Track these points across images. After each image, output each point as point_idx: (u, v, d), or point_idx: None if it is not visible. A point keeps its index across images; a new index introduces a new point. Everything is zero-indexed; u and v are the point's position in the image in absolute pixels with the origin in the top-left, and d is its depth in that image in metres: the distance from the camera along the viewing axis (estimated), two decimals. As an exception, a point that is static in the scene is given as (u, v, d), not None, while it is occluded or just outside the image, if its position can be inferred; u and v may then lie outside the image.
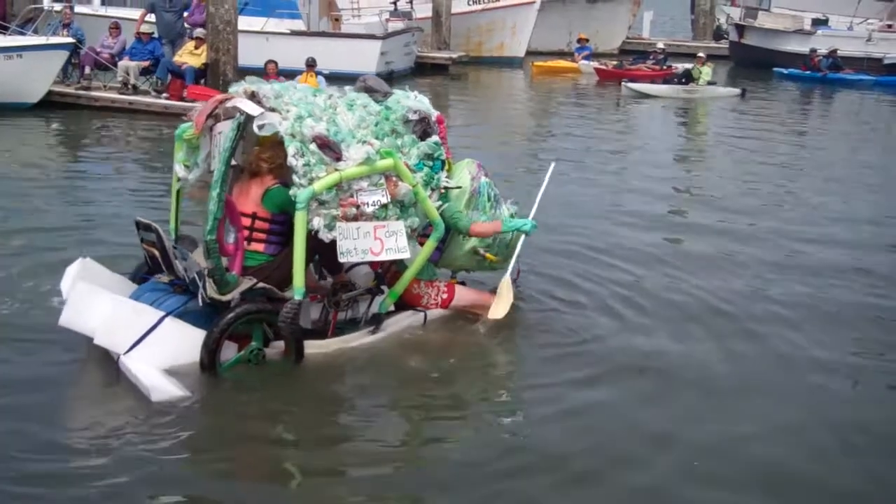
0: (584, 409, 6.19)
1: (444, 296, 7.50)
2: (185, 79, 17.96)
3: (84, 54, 18.20)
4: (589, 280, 8.66)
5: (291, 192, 6.39)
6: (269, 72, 17.14)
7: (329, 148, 6.41)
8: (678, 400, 6.38)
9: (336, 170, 6.41)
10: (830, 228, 11.26)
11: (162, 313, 6.26)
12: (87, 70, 18.36)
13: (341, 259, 6.58)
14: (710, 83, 24.72)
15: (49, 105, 17.40)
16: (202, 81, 18.19)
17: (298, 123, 6.43)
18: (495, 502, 5.08)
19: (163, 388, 5.93)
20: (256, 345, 6.46)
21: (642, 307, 8.07)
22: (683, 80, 24.64)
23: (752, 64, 33.00)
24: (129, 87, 18.20)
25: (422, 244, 7.20)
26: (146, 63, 18.42)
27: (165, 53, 18.76)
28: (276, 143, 6.61)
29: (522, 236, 7.63)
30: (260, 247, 6.68)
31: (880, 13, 36.64)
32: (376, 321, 7.09)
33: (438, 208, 7.12)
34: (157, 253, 6.62)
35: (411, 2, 32.29)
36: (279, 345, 6.52)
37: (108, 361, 6.38)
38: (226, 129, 6.61)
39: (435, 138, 7.08)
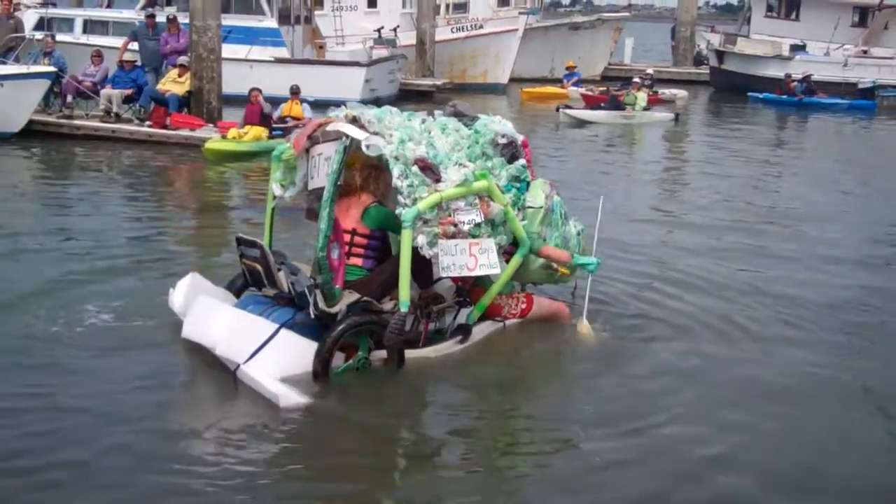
0: (648, 432, 6.19)
1: (523, 306, 7.86)
2: (169, 107, 17.97)
3: (66, 83, 18.15)
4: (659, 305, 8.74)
5: (398, 211, 6.79)
6: (253, 100, 17.19)
7: (430, 170, 6.84)
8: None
9: (436, 191, 6.81)
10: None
11: (276, 325, 6.60)
12: (69, 99, 18.28)
13: (442, 273, 6.99)
14: (644, 108, 24.73)
15: (31, 134, 17.28)
16: (185, 109, 18.22)
17: (402, 147, 6.84)
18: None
19: (289, 395, 6.23)
20: (363, 354, 6.78)
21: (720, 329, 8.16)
22: (617, 107, 24.59)
23: (732, 89, 33.37)
24: (112, 115, 18.14)
25: (506, 260, 7.50)
26: (129, 91, 18.36)
27: (149, 81, 18.76)
28: (370, 165, 7.13)
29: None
30: (359, 261, 7.11)
31: (856, 39, 37.11)
32: (465, 331, 7.41)
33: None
34: (259, 268, 7.00)
35: (395, 29, 32.51)
36: (381, 353, 6.83)
37: (211, 373, 6.70)
38: (325, 151, 7.06)
39: (522, 161, 7.52)
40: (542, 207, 7.73)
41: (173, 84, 18.32)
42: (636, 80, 26.14)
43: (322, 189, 6.90)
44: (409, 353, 6.92)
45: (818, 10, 38.71)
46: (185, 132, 17.51)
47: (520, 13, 34.48)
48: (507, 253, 7.50)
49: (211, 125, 17.82)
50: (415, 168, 6.80)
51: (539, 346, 7.66)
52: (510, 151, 7.45)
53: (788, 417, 6.48)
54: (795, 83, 31.08)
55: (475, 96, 29.45)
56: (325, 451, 5.90)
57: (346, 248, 6.98)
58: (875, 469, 5.85)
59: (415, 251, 6.76)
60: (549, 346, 7.69)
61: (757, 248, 11.30)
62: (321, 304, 6.55)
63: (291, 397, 6.22)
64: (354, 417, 6.31)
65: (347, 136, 6.82)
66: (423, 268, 6.98)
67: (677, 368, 7.26)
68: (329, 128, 7.08)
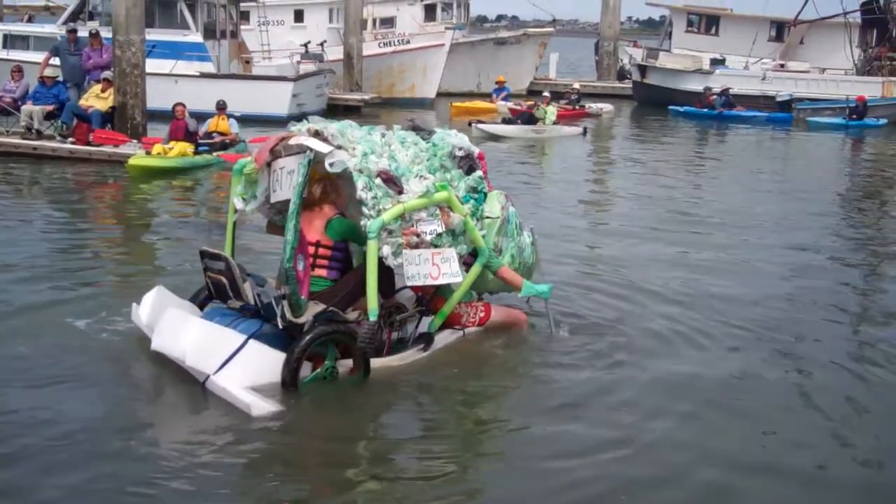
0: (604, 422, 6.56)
1: (482, 314, 8.07)
2: (92, 123, 17.69)
3: (-15, 99, 17.85)
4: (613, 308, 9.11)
5: (363, 222, 6.99)
6: (178, 115, 17.07)
7: (392, 182, 7.08)
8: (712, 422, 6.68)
9: (399, 202, 7.05)
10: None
11: (245, 336, 6.69)
12: (-11, 115, 17.99)
13: (408, 283, 7.22)
14: (554, 123, 25.15)
15: (-51, 151, 16.97)
16: (109, 125, 17.98)
17: (365, 160, 7.09)
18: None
19: (260, 404, 6.33)
20: (330, 363, 6.89)
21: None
22: (526, 121, 24.93)
23: (654, 103, 34.04)
24: (33, 132, 17.80)
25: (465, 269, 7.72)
26: (50, 107, 18.01)
27: (71, 97, 18.49)
28: (326, 178, 7.30)
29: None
30: (323, 272, 7.27)
31: (773, 53, 38.21)
32: (427, 339, 7.57)
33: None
34: (224, 280, 7.06)
35: (322, 44, 32.52)
36: (347, 362, 6.96)
37: (178, 386, 6.78)
38: (288, 164, 7.17)
39: (479, 173, 7.80)
40: (498, 218, 7.95)
41: (96, 100, 18.07)
42: (545, 94, 26.46)
43: (285, 202, 7.14)
44: (374, 362, 7.05)
45: (737, 26, 39.87)
46: (108, 148, 17.26)
47: (446, 28, 34.78)
48: (465, 263, 7.69)
49: (135, 141, 17.59)
50: (378, 180, 7.03)
51: (498, 352, 7.89)
52: (467, 163, 7.74)
53: (728, 409, 6.88)
54: (715, 97, 31.83)
55: (403, 111, 29.58)
56: (296, 460, 6.00)
57: (311, 259, 7.12)
58: (801, 449, 6.31)
59: (378, 261, 6.96)
60: (508, 351, 7.93)
61: (679, 254, 11.65)
62: (288, 315, 6.68)
63: (263, 406, 6.33)
64: (323, 425, 6.45)
65: (311, 150, 6.96)
66: (385, 278, 7.19)
67: (621, 368, 7.59)
68: (292, 141, 7.21)
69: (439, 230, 7.26)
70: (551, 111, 25.12)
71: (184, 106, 17.24)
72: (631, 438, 6.28)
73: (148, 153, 16.52)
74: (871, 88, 33.23)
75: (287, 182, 7.18)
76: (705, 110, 31.46)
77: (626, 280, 10.13)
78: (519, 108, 27.94)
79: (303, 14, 35.49)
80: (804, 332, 8.69)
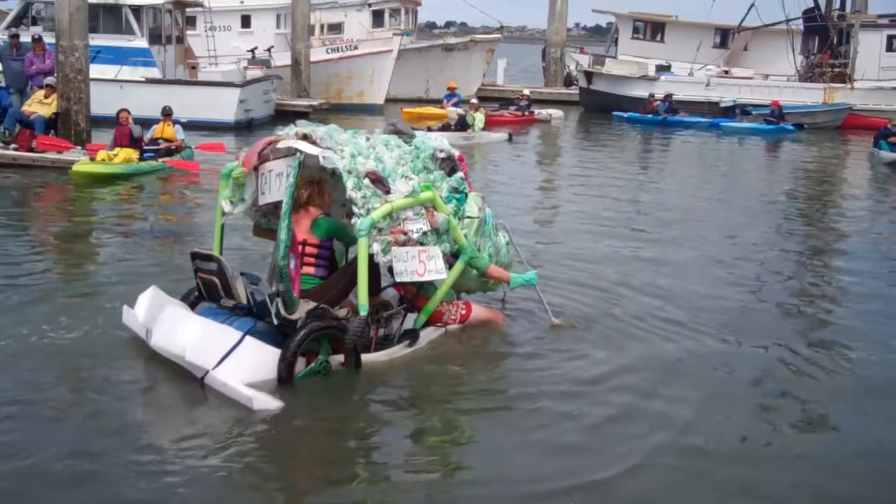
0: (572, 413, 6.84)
1: (463, 312, 8.32)
2: (35, 129, 17.47)
3: (-75, 105, 17.54)
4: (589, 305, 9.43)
5: (353, 221, 7.31)
6: (122, 121, 16.91)
7: (380, 182, 7.36)
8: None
9: (387, 201, 7.32)
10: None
11: (241, 333, 6.87)
12: (-71, 121, 17.68)
13: (396, 279, 7.52)
14: (482, 129, 25.27)
15: None
16: (52, 132, 17.75)
17: (353, 161, 7.38)
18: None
19: (261, 398, 6.51)
20: (323, 357, 7.11)
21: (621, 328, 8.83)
22: (460, 128, 25.00)
23: (600, 108, 34.33)
24: (-25, 138, 17.60)
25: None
26: (-8, 113, 17.86)
27: (13, 103, 18.25)
28: (313, 181, 7.64)
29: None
30: (311, 270, 7.55)
31: (718, 59, 38.76)
32: (413, 336, 7.82)
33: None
34: (217, 281, 7.31)
35: (269, 50, 32.40)
36: (338, 357, 7.21)
37: (171, 381, 7.00)
38: (276, 167, 7.42)
39: (460, 174, 8.09)
40: (478, 218, 8.21)
41: (39, 106, 17.84)
42: (473, 101, 26.51)
43: (273, 204, 7.53)
44: (362, 358, 7.29)
45: (682, 32, 40.40)
46: (52, 155, 17.06)
47: (394, 34, 34.83)
48: (447, 263, 7.95)
49: (79, 147, 17.42)
50: (366, 181, 7.31)
51: (478, 347, 8.17)
52: (449, 165, 8.05)
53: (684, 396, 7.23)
54: (658, 102, 32.18)
55: (352, 117, 29.59)
56: (293, 452, 6.21)
57: (300, 258, 7.36)
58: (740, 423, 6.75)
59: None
60: (487, 346, 8.22)
61: (628, 250, 12.03)
62: (283, 312, 6.90)
63: (264, 401, 6.50)
64: (319, 417, 6.68)
65: (301, 152, 7.20)
66: (373, 276, 7.45)
67: (589, 357, 7.97)
68: (280, 145, 7.45)
69: (425, 229, 7.54)
70: (479, 118, 25.16)
71: (128, 112, 17.09)
72: (605, 421, 6.67)
73: (92, 159, 16.35)
74: (813, 94, 33.88)
75: (276, 184, 7.44)
76: (649, 116, 31.81)
77: (585, 275, 10.54)
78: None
79: (250, 19, 35.33)
80: (758, 318, 9.24)
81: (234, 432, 6.23)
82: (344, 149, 7.45)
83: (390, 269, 7.51)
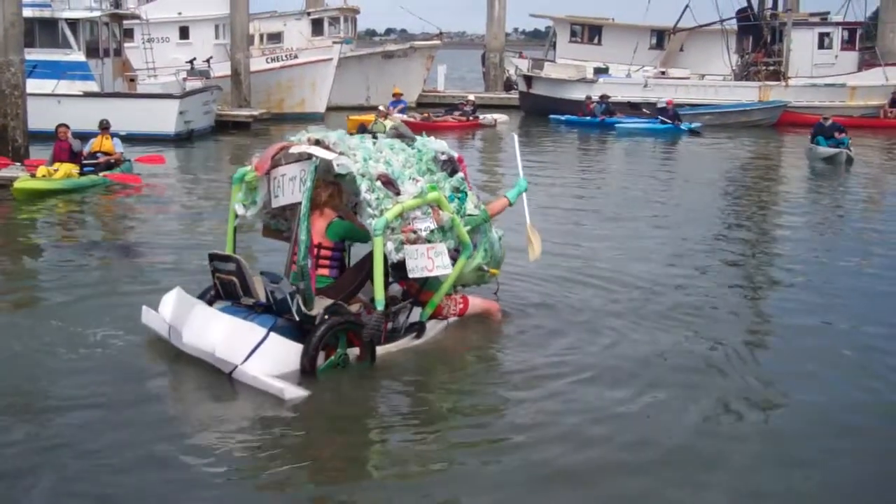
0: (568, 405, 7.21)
1: (461, 306, 8.77)
2: (-28, 146, 17.26)
3: None
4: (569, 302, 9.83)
5: (367, 221, 7.70)
6: (61, 136, 16.77)
7: (391, 184, 7.80)
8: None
9: (398, 202, 7.75)
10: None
11: (266, 329, 7.27)
12: None
13: (410, 275, 7.88)
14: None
15: None
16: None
17: (366, 165, 7.75)
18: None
19: (292, 389, 6.96)
20: (342, 350, 7.51)
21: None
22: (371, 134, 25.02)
23: (540, 112, 34.63)
24: None
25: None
26: (-73, 131, 17.56)
27: (-52, 120, 17.97)
28: (330, 183, 8.04)
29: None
30: (325, 271, 7.99)
31: (654, 61, 39.29)
32: (420, 328, 8.29)
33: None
34: (235, 280, 7.69)
35: (209, 61, 32.24)
36: (353, 350, 7.59)
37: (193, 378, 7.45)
38: (289, 172, 7.90)
39: (460, 175, 8.53)
40: (477, 215, 8.62)
41: (-25, 122, 17.61)
42: (380, 108, 26.56)
43: (286, 206, 8.13)
44: (376, 350, 7.71)
45: (619, 35, 40.85)
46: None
47: (334, 42, 34.88)
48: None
49: (18, 164, 17.24)
50: (378, 183, 7.73)
51: (479, 339, 8.65)
52: (450, 166, 8.49)
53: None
54: (594, 104, 32.52)
55: (294, 126, 29.43)
56: (317, 439, 6.64)
57: (315, 260, 7.80)
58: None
59: (369, 259, 7.72)
60: (487, 338, 8.72)
61: (578, 244, 12.21)
62: (303, 309, 7.28)
63: (294, 391, 6.95)
64: (343, 405, 7.12)
65: (316, 157, 7.61)
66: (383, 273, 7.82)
67: (577, 346, 8.51)
68: (293, 150, 7.88)
69: (432, 227, 7.95)
70: (389, 124, 25.24)
71: (67, 127, 16.96)
72: (596, 403, 7.14)
73: (32, 175, 16.18)
74: (748, 93, 34.59)
75: (289, 188, 7.91)
76: (587, 118, 32.12)
77: (536, 267, 10.79)
78: (413, 120, 28.18)
79: (188, 30, 35.12)
80: (715, 303, 9.87)
81: (265, 422, 6.68)
82: (356, 153, 7.83)
83: (394, 266, 7.94)
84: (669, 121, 30.58)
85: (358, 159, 7.77)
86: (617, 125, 30.92)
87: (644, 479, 6.01)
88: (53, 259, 11.86)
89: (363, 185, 7.67)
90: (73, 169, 16.51)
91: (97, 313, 8.84)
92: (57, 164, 16.46)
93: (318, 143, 7.84)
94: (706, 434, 6.71)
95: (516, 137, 10.03)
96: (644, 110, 31.93)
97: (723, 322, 9.27)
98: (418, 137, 8.73)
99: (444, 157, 8.50)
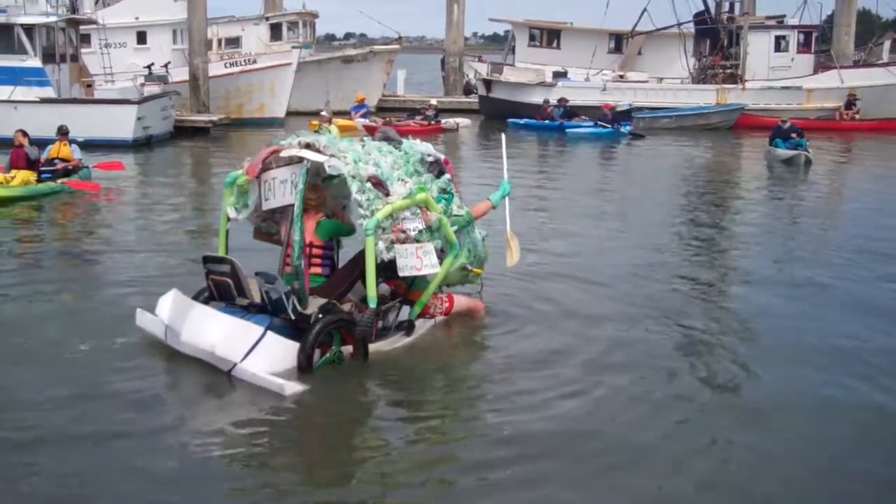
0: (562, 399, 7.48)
1: (446, 305, 8.99)
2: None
3: None
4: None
5: (358, 222, 7.92)
6: (18, 143, 16.58)
7: (381, 185, 7.99)
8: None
9: (388, 203, 7.92)
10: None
11: (262, 328, 7.46)
12: None
13: (400, 273, 8.06)
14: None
15: None
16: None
17: (356, 167, 7.91)
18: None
19: (291, 385, 7.17)
20: (336, 348, 7.77)
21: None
22: None
23: (500, 116, 34.62)
24: None
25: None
26: None
27: None
28: (317, 186, 8.26)
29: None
30: (318, 270, 8.24)
31: (613, 64, 39.59)
32: (409, 326, 8.52)
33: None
34: (230, 282, 7.89)
35: (167, 66, 31.99)
36: (347, 348, 7.84)
37: (197, 378, 7.59)
38: (280, 175, 8.13)
39: (447, 176, 8.75)
40: (462, 216, 8.83)
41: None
42: (323, 113, 26.46)
43: (277, 209, 8.32)
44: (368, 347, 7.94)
45: (577, 39, 41.14)
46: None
47: (293, 47, 34.74)
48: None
49: (-26, 171, 17.00)
50: (368, 184, 7.91)
51: (464, 337, 8.94)
52: (436, 168, 8.71)
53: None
54: (553, 108, 32.65)
55: (254, 131, 29.40)
56: (317, 435, 6.93)
57: (307, 259, 8.01)
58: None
59: (360, 259, 7.92)
60: (472, 335, 9.02)
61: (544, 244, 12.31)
62: (299, 308, 7.54)
63: (294, 387, 7.16)
64: (339, 401, 7.34)
65: (307, 160, 7.84)
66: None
67: (562, 338, 8.88)
68: (284, 154, 8.11)
69: (421, 227, 8.13)
70: (335, 129, 25.25)
71: (24, 133, 16.77)
72: (579, 392, 7.51)
73: (-11, 183, 15.97)
74: (706, 96, 34.93)
75: (280, 191, 8.15)
76: (546, 122, 32.22)
77: (533, 267, 11.34)
78: (374, 124, 28.11)
79: (146, 35, 34.81)
80: (672, 302, 10.19)
81: (264, 416, 6.90)
82: (346, 155, 7.99)
83: (382, 265, 8.04)
84: (608, 125, 30.68)
85: (348, 161, 7.94)
86: (567, 130, 31.02)
87: (632, 471, 6.19)
88: (10, 266, 11.72)
89: (354, 187, 7.86)
90: (30, 176, 16.34)
91: (66, 319, 8.94)
92: (14, 172, 16.27)
93: (308, 146, 8.04)
94: (674, 428, 6.92)
95: (504, 138, 10.29)
96: (582, 116, 31.95)
97: (692, 316, 9.58)
98: (405, 140, 8.91)
99: (430, 159, 8.71)
